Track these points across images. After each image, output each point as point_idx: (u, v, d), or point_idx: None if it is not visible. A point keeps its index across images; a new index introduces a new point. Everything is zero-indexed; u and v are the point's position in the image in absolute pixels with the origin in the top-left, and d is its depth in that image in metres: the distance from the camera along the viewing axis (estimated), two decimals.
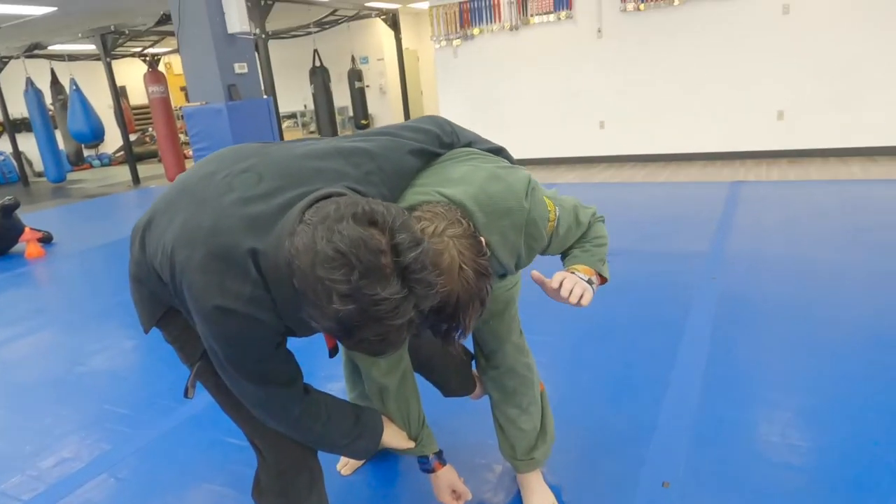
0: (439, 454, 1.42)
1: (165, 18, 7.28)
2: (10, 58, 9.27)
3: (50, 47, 9.09)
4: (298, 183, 0.99)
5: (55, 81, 9.45)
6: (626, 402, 2.03)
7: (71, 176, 10.40)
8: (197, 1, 4.30)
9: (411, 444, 1.37)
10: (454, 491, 1.44)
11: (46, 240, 5.26)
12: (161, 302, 1.14)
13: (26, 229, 4.97)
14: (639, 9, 6.28)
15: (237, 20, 5.42)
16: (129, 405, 2.35)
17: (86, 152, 11.22)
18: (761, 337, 2.37)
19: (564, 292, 1.18)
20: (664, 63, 6.41)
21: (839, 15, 5.58)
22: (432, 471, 1.41)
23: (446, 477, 1.42)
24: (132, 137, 10.09)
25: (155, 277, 1.07)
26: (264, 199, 0.98)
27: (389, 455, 1.85)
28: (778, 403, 1.93)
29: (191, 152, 6.30)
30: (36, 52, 9.05)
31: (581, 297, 1.18)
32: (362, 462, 1.83)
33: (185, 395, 1.18)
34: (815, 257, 3.17)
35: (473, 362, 1.65)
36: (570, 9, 6.65)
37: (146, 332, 1.20)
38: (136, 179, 8.93)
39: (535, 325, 2.81)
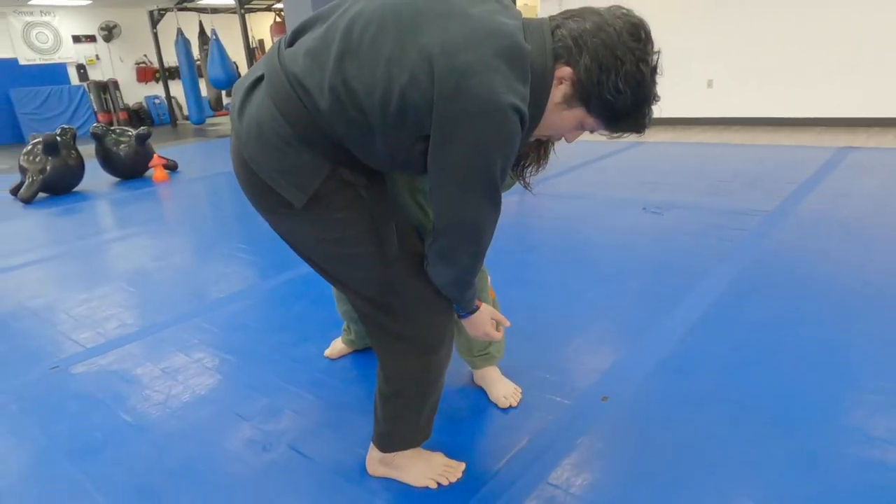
0: None
1: None
2: (167, 10, 10.41)
3: (197, 1, 10.07)
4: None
5: (202, 32, 10.47)
6: (599, 331, 2.05)
7: (211, 120, 11.56)
8: None
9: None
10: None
11: (172, 167, 6.00)
12: (324, 163, 1.05)
13: (155, 156, 5.71)
14: None
15: None
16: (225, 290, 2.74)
17: (225, 100, 12.37)
18: (775, 299, 2.25)
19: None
20: (769, 20, 5.82)
21: None
22: (474, 310, 1.30)
23: (488, 310, 1.34)
24: None
25: (352, 121, 0.99)
26: (502, 14, 1.00)
27: None
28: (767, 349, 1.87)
29: None
30: (185, 4, 10.09)
31: None
32: (349, 350, 2.03)
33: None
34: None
35: None
36: None
37: (301, 202, 1.07)
38: None
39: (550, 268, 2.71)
